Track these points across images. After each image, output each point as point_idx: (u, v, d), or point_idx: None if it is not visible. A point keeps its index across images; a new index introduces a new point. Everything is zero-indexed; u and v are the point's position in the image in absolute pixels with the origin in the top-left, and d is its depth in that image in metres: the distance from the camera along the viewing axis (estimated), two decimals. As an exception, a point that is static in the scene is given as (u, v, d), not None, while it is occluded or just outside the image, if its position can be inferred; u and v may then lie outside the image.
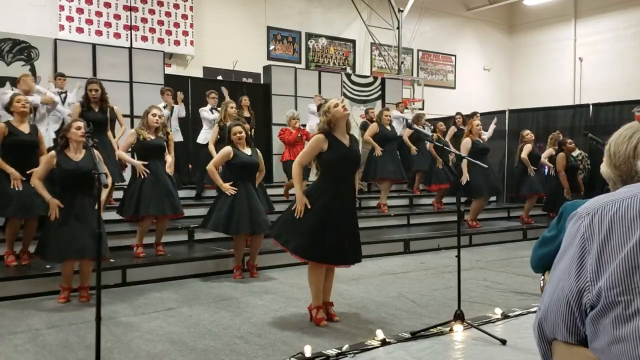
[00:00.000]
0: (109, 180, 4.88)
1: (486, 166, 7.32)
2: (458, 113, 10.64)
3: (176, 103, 8.68)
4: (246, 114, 8.59)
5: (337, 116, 4.22)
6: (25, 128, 5.57)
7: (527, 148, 9.04)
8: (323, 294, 4.54)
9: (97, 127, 6.45)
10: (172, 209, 5.96)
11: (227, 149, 5.81)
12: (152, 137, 5.95)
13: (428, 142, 9.05)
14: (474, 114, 10.30)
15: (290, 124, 9.03)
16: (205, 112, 8.72)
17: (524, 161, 9.04)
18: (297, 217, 4.20)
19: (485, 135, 9.85)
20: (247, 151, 5.89)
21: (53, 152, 5.00)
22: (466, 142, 8.44)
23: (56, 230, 4.78)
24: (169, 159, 6.07)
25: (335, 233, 4.20)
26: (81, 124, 4.95)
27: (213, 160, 5.91)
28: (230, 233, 5.92)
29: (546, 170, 9.55)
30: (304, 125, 9.68)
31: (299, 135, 8.94)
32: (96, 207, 3.64)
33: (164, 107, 8.35)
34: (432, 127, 10.43)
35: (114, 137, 6.97)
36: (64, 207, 4.82)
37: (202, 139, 8.62)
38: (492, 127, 10.46)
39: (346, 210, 4.32)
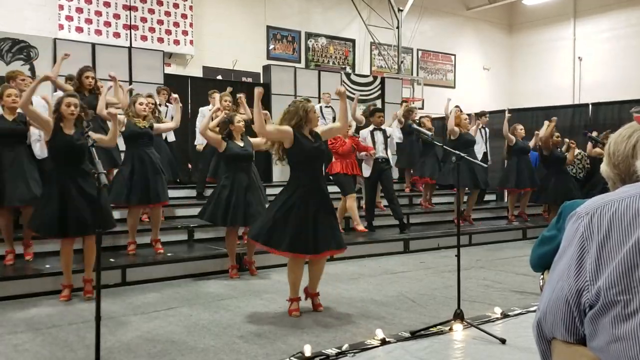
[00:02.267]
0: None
1: (486, 165, 7.37)
2: (457, 106, 10.62)
3: (169, 102, 8.66)
4: (242, 111, 8.56)
5: (312, 120, 4.59)
6: (11, 117, 5.50)
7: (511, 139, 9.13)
8: (309, 284, 4.66)
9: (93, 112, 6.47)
10: (151, 198, 6.00)
11: (219, 137, 5.85)
12: (142, 126, 6.01)
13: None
14: (482, 113, 10.25)
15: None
16: (205, 111, 8.70)
17: (505, 135, 9.12)
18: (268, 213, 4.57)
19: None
20: (240, 143, 5.91)
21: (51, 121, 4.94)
22: (455, 131, 8.59)
23: (45, 205, 4.81)
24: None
25: (304, 223, 4.37)
26: (71, 100, 4.91)
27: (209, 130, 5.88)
28: (226, 224, 5.88)
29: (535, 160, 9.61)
30: (357, 133, 8.34)
31: (353, 145, 7.73)
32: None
33: (159, 105, 8.39)
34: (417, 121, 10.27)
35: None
36: (53, 183, 4.84)
37: (202, 139, 8.60)
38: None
39: (320, 202, 4.51)
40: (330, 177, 7.80)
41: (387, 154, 8.01)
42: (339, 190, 7.77)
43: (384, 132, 8.09)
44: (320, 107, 10.27)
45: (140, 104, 6.04)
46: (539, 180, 9.28)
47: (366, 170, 7.90)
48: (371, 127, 8.12)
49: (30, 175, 5.50)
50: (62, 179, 4.82)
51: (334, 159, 7.84)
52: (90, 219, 4.73)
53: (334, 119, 10.27)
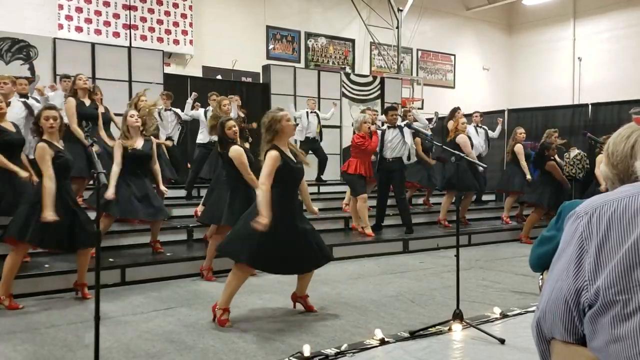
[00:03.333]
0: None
1: (485, 166, 7.38)
2: (457, 109, 10.61)
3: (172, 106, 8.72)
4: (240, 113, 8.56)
5: (286, 131, 4.25)
6: (9, 126, 5.40)
7: (519, 148, 8.93)
8: (299, 289, 4.60)
9: (91, 122, 6.44)
10: (150, 214, 5.89)
11: (243, 151, 5.58)
12: (139, 145, 5.74)
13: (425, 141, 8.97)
14: (473, 114, 10.33)
15: (362, 129, 7.54)
16: (199, 113, 8.67)
17: (517, 154, 8.96)
18: (251, 231, 4.02)
19: (494, 134, 10.19)
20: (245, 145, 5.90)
21: (45, 144, 4.74)
22: (463, 138, 8.35)
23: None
24: (158, 171, 6.03)
25: (291, 242, 4.19)
26: (50, 113, 4.76)
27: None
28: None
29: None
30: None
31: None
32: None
33: (164, 110, 8.43)
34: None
35: (110, 137, 6.93)
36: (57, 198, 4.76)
37: (199, 138, 8.61)
38: (499, 128, 10.45)
39: (300, 218, 4.37)
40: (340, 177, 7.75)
41: (399, 152, 7.85)
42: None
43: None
44: (307, 113, 10.28)
45: (132, 116, 5.74)
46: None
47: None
48: (385, 127, 8.07)
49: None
50: (61, 193, 4.75)
51: (351, 158, 7.73)
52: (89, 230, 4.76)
53: (318, 124, 10.30)
